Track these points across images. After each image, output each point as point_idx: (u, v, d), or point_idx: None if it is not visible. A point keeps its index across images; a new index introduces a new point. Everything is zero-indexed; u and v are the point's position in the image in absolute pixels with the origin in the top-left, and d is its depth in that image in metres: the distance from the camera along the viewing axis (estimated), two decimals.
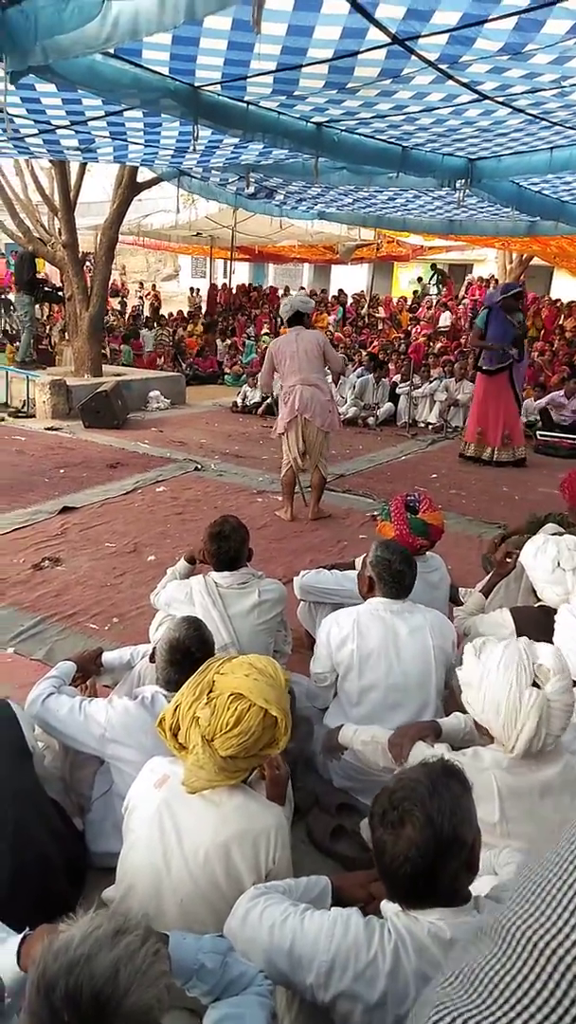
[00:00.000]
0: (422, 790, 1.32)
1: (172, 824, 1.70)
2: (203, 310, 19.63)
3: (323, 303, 19.49)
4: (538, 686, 1.70)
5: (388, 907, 1.39)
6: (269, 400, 10.31)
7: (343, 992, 1.33)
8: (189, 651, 2.18)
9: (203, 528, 5.29)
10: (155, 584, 3.21)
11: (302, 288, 20.86)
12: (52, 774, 2.38)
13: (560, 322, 15.57)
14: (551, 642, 2.06)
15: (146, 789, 1.79)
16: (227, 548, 2.80)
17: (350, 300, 19.60)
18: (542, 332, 15.13)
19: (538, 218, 8.01)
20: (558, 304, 16.64)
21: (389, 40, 3.28)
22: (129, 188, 9.78)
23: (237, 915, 1.51)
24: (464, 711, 2.40)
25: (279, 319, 17.44)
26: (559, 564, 2.58)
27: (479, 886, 1.49)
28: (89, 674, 2.65)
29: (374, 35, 3.23)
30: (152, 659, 2.39)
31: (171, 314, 18.88)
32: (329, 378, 5.87)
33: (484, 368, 8.11)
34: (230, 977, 1.36)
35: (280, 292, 21.44)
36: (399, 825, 1.30)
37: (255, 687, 1.67)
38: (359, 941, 1.34)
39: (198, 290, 22.43)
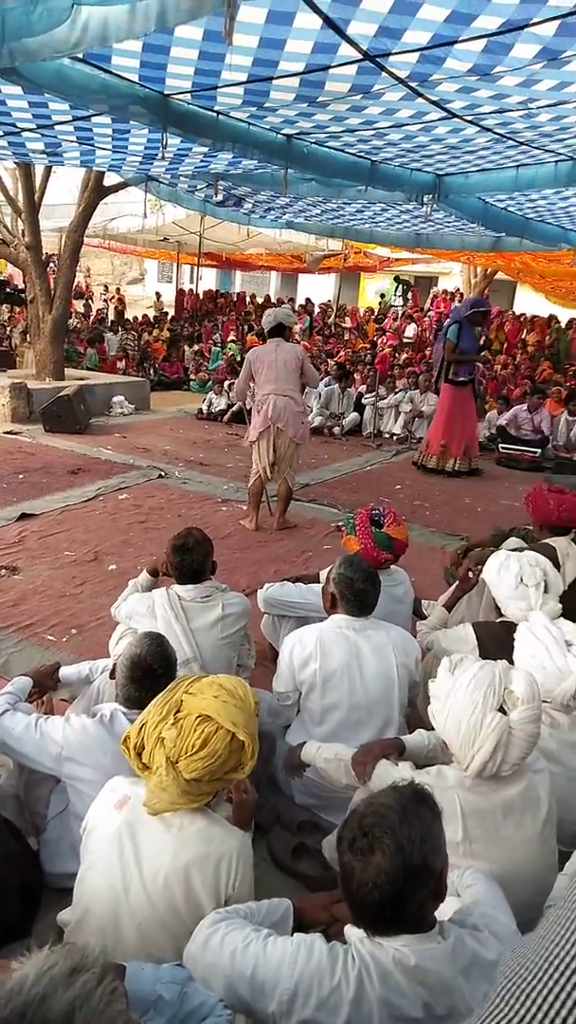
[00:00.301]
0: (393, 817, 1.30)
1: (132, 847, 1.66)
2: (169, 315, 19.53)
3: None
4: (505, 712, 1.70)
5: (352, 932, 1.38)
6: (235, 408, 10.29)
7: (306, 1020, 1.31)
8: (151, 668, 2.15)
9: (167, 537, 5.24)
10: (116, 594, 3.16)
11: (283, 300, 20.87)
12: (6, 792, 2.33)
13: (523, 336, 15.86)
14: (511, 658, 2.07)
15: (106, 810, 1.75)
16: (190, 561, 2.76)
17: (317, 309, 19.71)
18: (505, 346, 15.39)
19: (503, 234, 8.16)
20: (521, 318, 16.94)
21: (360, 56, 3.30)
22: (95, 191, 9.69)
23: (197, 940, 1.48)
24: (427, 727, 2.42)
25: (244, 327, 17.50)
26: (522, 580, 2.60)
27: (442, 909, 1.49)
28: (46, 689, 2.59)
29: (345, 51, 3.25)
30: (112, 675, 2.34)
31: (136, 318, 18.75)
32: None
33: (459, 380, 8.25)
34: (189, 1008, 1.33)
35: (248, 299, 21.47)
36: (368, 852, 1.29)
37: (223, 709, 1.64)
38: (322, 967, 1.33)
39: (160, 294, 22.31)
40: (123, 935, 1.66)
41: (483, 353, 8.16)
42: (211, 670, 2.64)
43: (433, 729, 2.31)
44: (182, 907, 1.63)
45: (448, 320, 8.64)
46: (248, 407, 6.26)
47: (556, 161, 5.12)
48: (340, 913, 1.70)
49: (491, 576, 2.69)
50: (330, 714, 2.52)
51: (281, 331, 5.76)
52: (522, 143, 4.75)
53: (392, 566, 3.05)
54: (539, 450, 9.55)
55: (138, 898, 1.64)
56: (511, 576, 2.61)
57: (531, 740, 1.71)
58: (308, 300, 20.42)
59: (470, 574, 3.07)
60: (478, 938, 1.39)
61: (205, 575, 2.79)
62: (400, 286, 19.02)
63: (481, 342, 8.33)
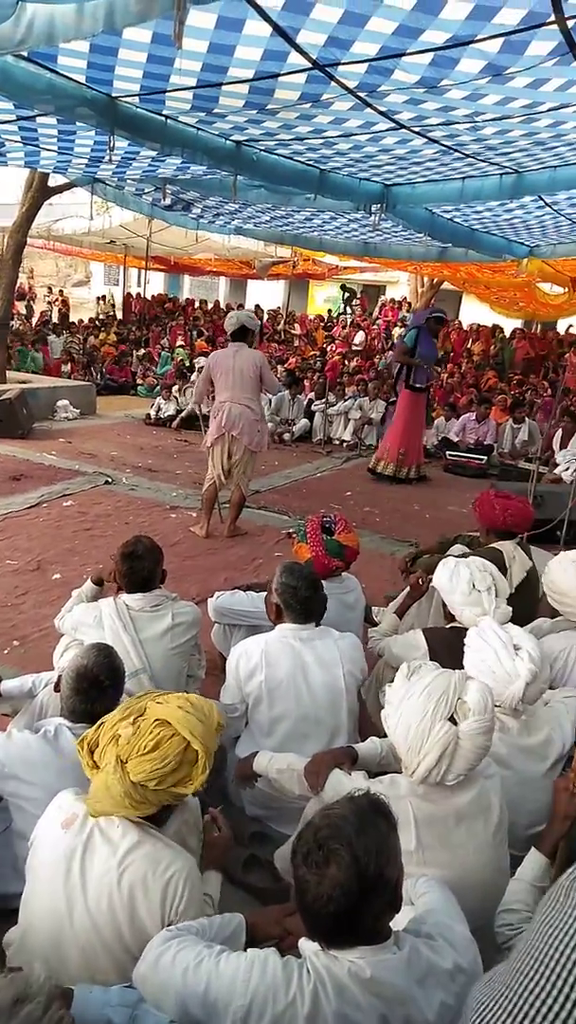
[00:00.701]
0: (349, 829, 1.29)
1: (78, 869, 1.61)
2: (116, 318, 19.30)
3: None
4: (455, 722, 1.70)
5: (307, 946, 1.36)
6: (184, 413, 10.21)
7: None
8: (97, 679, 2.10)
9: (113, 545, 5.16)
10: (60, 604, 3.09)
11: (232, 306, 20.88)
12: None
13: (468, 345, 16.18)
14: (461, 663, 2.08)
15: (52, 828, 1.69)
16: (140, 568, 2.71)
17: (266, 316, 19.75)
18: (451, 355, 15.67)
19: (449, 245, 8.29)
20: (468, 328, 17.29)
21: (310, 65, 3.32)
22: (40, 192, 9.51)
23: (148, 959, 1.44)
24: (377, 734, 2.42)
25: (193, 332, 17.40)
26: (474, 585, 2.64)
27: (397, 918, 1.48)
28: None
29: (295, 59, 3.25)
30: (57, 688, 2.28)
31: (81, 321, 18.45)
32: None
33: (418, 386, 8.35)
34: None
35: (197, 304, 21.37)
36: (324, 864, 1.27)
37: (184, 718, 1.63)
38: (277, 983, 1.30)
39: (102, 297, 21.99)
40: (67, 959, 1.61)
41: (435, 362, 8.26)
42: (160, 681, 2.61)
43: (384, 736, 2.33)
44: (126, 932, 1.59)
45: (408, 326, 8.74)
46: (205, 411, 6.19)
47: (501, 174, 5.24)
48: (293, 926, 1.68)
49: (443, 583, 2.72)
50: (278, 725, 2.50)
51: (244, 335, 5.74)
52: (468, 155, 4.84)
53: (343, 573, 3.06)
54: (485, 457, 9.74)
55: (82, 922, 1.60)
56: (463, 582, 2.65)
57: (479, 752, 1.72)
58: (257, 306, 20.45)
59: (420, 582, 3.10)
60: (433, 947, 1.39)
61: (155, 584, 2.74)
62: (346, 294, 19.27)
63: (440, 353, 8.44)
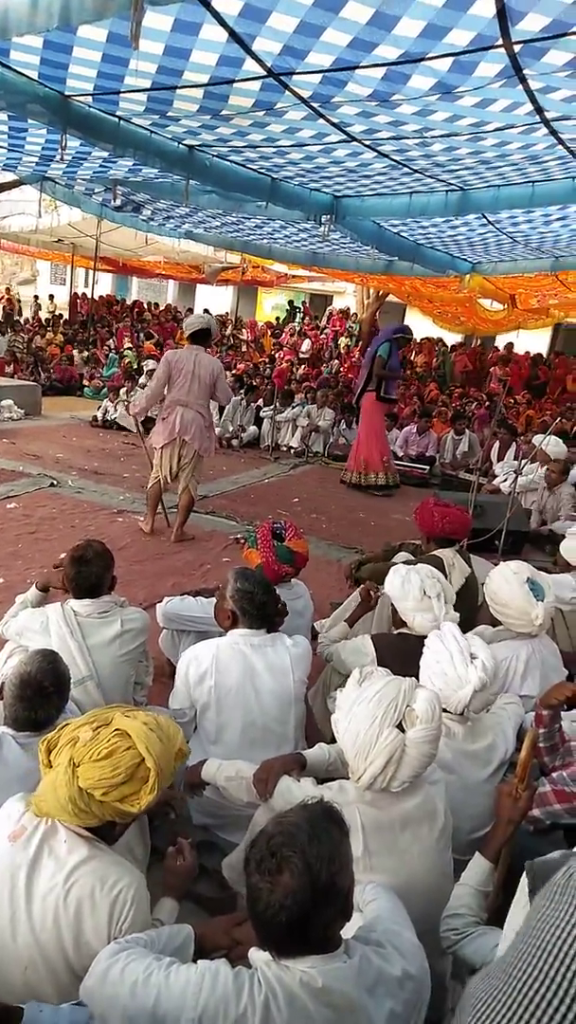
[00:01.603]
0: (302, 836, 1.29)
1: (23, 884, 1.57)
2: (62, 318, 18.96)
3: None
4: (403, 729, 1.72)
5: (258, 956, 1.35)
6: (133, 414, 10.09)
7: None
8: (41, 685, 2.06)
9: (59, 549, 5.07)
10: (2, 609, 3.01)
11: (179, 310, 20.77)
12: None
13: (411, 358, 16.45)
14: (412, 669, 2.10)
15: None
16: (88, 574, 2.66)
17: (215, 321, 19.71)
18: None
19: (395, 258, 8.45)
20: (411, 341, 17.55)
21: (264, 73, 3.33)
22: None
23: (95, 974, 1.41)
24: (323, 740, 2.43)
25: (140, 335, 17.23)
26: (425, 592, 2.69)
27: (345, 926, 1.49)
28: None
29: (250, 66, 3.27)
30: (0, 695, 2.22)
31: (27, 320, 18.06)
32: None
33: (390, 397, 8.54)
34: None
35: (146, 306, 21.18)
36: (276, 872, 1.26)
37: (145, 735, 1.60)
38: (228, 994, 1.29)
39: (34, 298, 21.52)
40: (9, 979, 1.56)
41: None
42: (108, 688, 2.56)
43: (329, 742, 2.34)
44: (71, 950, 1.56)
45: (376, 340, 8.84)
46: (140, 415, 6.17)
47: (447, 191, 5.37)
48: (242, 936, 1.67)
49: (396, 590, 2.75)
50: (225, 732, 2.49)
51: (204, 339, 5.77)
52: (416, 171, 4.94)
53: (292, 579, 3.07)
54: (427, 467, 9.91)
55: (25, 939, 1.55)
56: (415, 589, 2.69)
57: (424, 759, 1.73)
58: (206, 311, 20.38)
59: (371, 594, 3.13)
60: (382, 955, 1.40)
61: (103, 589, 2.70)
62: (292, 310, 19.51)
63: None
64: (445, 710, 2.16)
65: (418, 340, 17.41)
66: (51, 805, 1.60)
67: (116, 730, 1.62)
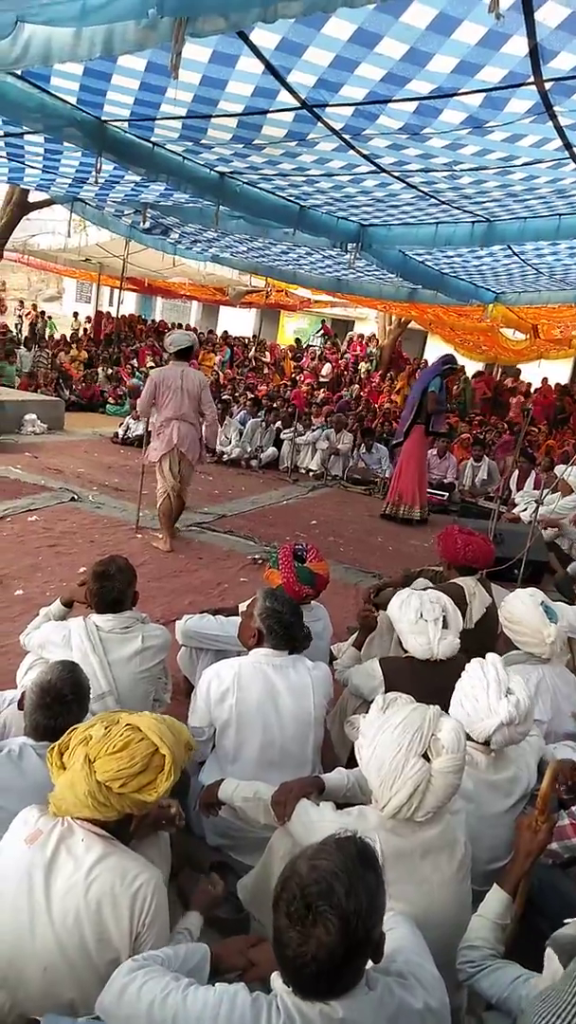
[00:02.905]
0: (340, 889, 1.22)
1: (42, 885, 1.58)
2: (87, 334, 19.22)
3: (211, 343, 19.68)
4: (428, 758, 1.71)
5: (279, 983, 1.33)
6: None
7: None
8: (61, 694, 2.08)
9: (79, 563, 5.11)
10: (22, 620, 3.03)
11: (197, 330, 21.03)
12: None
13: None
14: (420, 692, 2.08)
15: (16, 844, 1.66)
16: (111, 588, 2.68)
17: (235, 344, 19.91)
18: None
19: (419, 286, 8.52)
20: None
21: (298, 105, 3.41)
22: (19, 206, 9.52)
23: (113, 991, 1.40)
24: (342, 764, 2.42)
25: (165, 351, 17.43)
26: (421, 615, 2.71)
27: None
28: None
29: (284, 97, 3.34)
30: (21, 706, 2.24)
31: (51, 336, 18.33)
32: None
33: (441, 432, 8.67)
34: None
35: (170, 327, 21.43)
36: (311, 925, 1.21)
37: (155, 727, 1.66)
38: (245, 1020, 1.28)
39: (42, 318, 21.68)
40: (28, 980, 1.57)
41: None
42: (127, 704, 2.58)
43: (346, 765, 2.33)
44: (92, 947, 1.56)
45: (426, 374, 8.80)
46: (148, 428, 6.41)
47: (473, 222, 5.43)
48: (257, 957, 1.66)
49: (394, 612, 2.80)
50: (243, 751, 2.49)
51: (188, 355, 6.08)
52: (443, 202, 5.00)
53: (312, 602, 3.07)
54: (447, 494, 9.90)
55: (45, 939, 1.56)
56: (411, 611, 2.73)
57: (450, 790, 1.72)
58: (226, 332, 20.62)
59: (368, 614, 3.18)
60: (404, 985, 1.37)
61: (126, 605, 2.72)
62: (322, 331, 19.68)
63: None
64: (469, 738, 2.15)
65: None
66: (70, 803, 1.62)
67: (127, 725, 1.67)
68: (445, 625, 2.73)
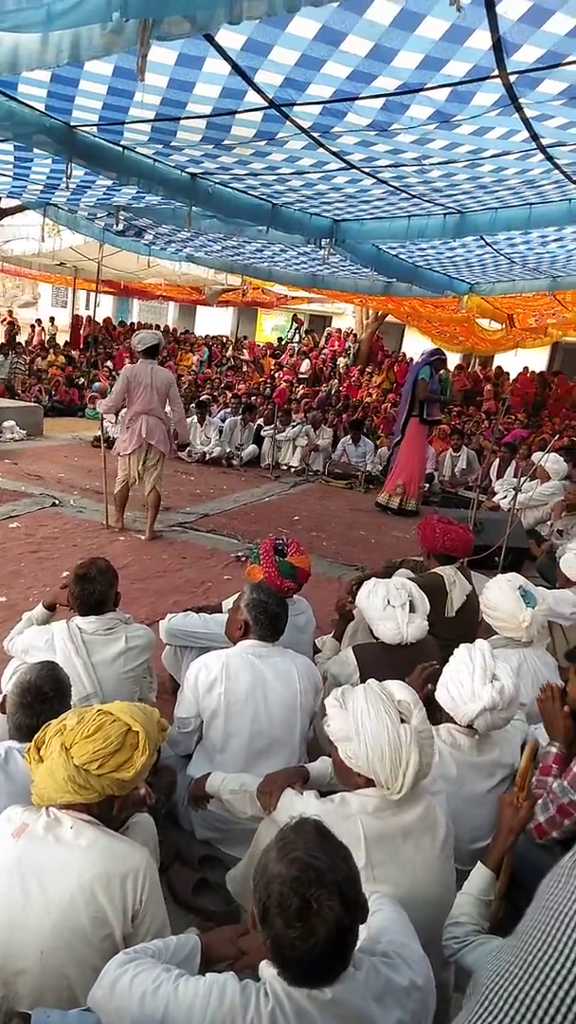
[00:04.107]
0: (324, 867, 1.26)
1: (33, 873, 1.61)
2: (65, 341, 19.11)
3: (189, 343, 19.65)
4: (405, 721, 1.76)
5: (267, 969, 1.36)
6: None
7: None
8: (42, 691, 2.10)
9: (61, 568, 5.11)
10: (5, 627, 3.04)
11: (166, 328, 20.97)
12: None
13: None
14: (393, 677, 2.11)
15: (2, 840, 1.68)
16: (92, 590, 2.69)
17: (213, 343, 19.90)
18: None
19: (394, 279, 8.58)
20: (410, 360, 17.74)
21: (266, 104, 3.43)
22: None
23: (104, 984, 1.42)
24: (327, 755, 2.45)
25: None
26: (388, 602, 2.80)
27: None
28: None
29: (252, 98, 3.37)
30: (3, 709, 2.25)
31: (28, 342, 18.22)
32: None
33: (434, 419, 8.62)
34: None
35: (148, 327, 21.36)
36: (314, 915, 1.23)
37: (127, 709, 1.72)
38: (235, 1009, 1.30)
39: (37, 321, 21.55)
40: (26, 968, 1.59)
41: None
42: None
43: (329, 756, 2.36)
44: (88, 927, 1.59)
45: (416, 365, 8.91)
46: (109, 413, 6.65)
47: (444, 214, 5.48)
48: (247, 946, 1.69)
49: (362, 601, 2.90)
50: (232, 741, 2.52)
51: (155, 352, 6.31)
52: (415, 196, 5.05)
53: (295, 595, 3.11)
54: (427, 484, 9.97)
55: (41, 924, 1.59)
56: (379, 599, 2.82)
57: (431, 739, 1.80)
58: (207, 336, 20.57)
59: (345, 605, 3.25)
60: (390, 964, 1.41)
61: (108, 607, 2.73)
62: (294, 324, 19.68)
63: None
64: (452, 721, 2.19)
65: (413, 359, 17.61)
66: (51, 790, 1.66)
67: (99, 711, 1.73)
68: (412, 609, 2.82)
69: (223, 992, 1.33)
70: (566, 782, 2.15)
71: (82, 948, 1.59)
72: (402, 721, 1.76)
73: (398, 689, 1.83)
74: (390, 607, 2.78)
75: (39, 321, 21.71)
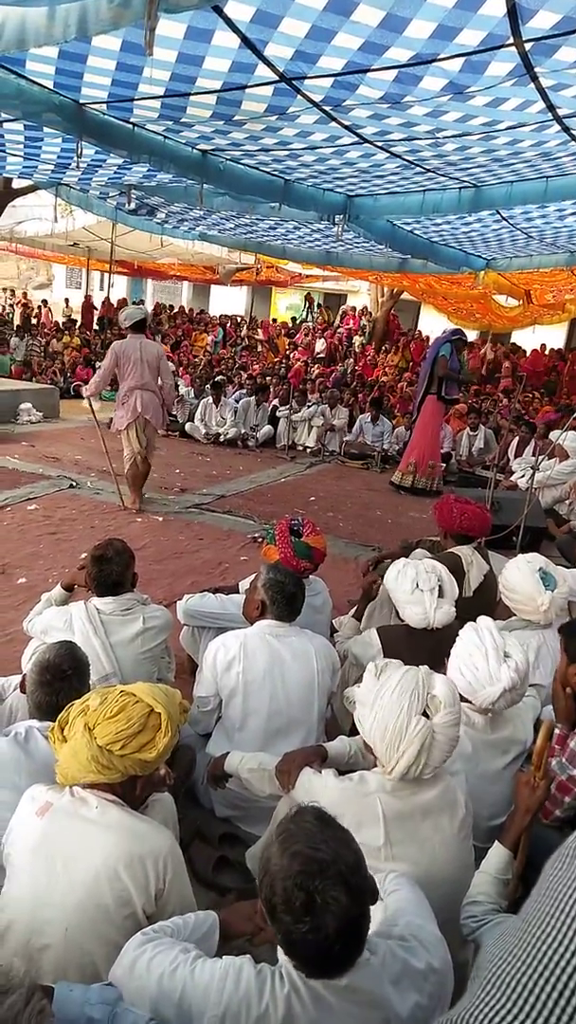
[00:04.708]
0: (327, 858, 1.24)
1: (58, 851, 1.63)
2: (78, 322, 19.11)
3: (203, 323, 19.58)
4: (428, 716, 1.75)
5: (284, 956, 1.36)
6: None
7: None
8: (60, 669, 2.12)
9: (79, 549, 5.15)
10: (25, 609, 3.07)
11: (210, 311, 20.87)
12: None
13: (426, 354, 16.43)
14: (417, 660, 2.12)
15: (28, 818, 1.71)
16: (110, 571, 2.71)
17: (229, 323, 19.80)
18: (411, 364, 15.91)
19: (409, 256, 8.45)
20: (427, 339, 17.57)
21: (276, 78, 3.37)
22: (4, 194, 9.43)
23: (123, 964, 1.44)
24: (345, 734, 2.46)
25: (156, 337, 17.36)
26: (417, 585, 2.75)
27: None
28: None
29: (262, 71, 3.31)
30: (23, 689, 2.28)
31: (43, 324, 18.24)
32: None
33: (452, 397, 8.60)
34: None
35: (160, 309, 21.31)
36: (321, 907, 1.21)
37: (148, 690, 1.74)
38: (251, 992, 1.31)
39: (43, 302, 21.46)
40: (51, 944, 1.62)
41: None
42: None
43: (348, 735, 2.37)
44: (112, 906, 1.61)
45: (436, 342, 8.85)
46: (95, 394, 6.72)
47: (460, 188, 5.37)
48: (264, 921, 1.71)
49: (390, 582, 2.85)
50: (250, 720, 2.54)
51: (143, 327, 6.47)
52: (429, 170, 4.96)
53: (311, 576, 3.11)
54: (444, 464, 9.91)
55: (65, 902, 1.61)
56: (408, 582, 2.77)
57: (452, 743, 1.77)
58: (222, 316, 20.46)
59: (373, 585, 3.20)
60: (406, 947, 1.41)
61: (125, 587, 2.75)
62: (307, 303, 19.54)
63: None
64: (468, 701, 2.18)
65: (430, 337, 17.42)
66: (74, 769, 1.68)
67: (121, 692, 1.74)
68: (441, 594, 2.77)
69: (239, 976, 1.35)
70: (564, 759, 2.15)
71: (105, 926, 1.61)
72: (425, 715, 1.75)
73: (440, 684, 1.81)
74: (418, 591, 2.73)
75: (45, 302, 21.71)
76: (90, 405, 6.82)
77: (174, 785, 2.12)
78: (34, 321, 19.24)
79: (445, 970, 1.47)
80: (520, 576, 2.87)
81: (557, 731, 2.26)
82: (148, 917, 1.65)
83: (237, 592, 3.23)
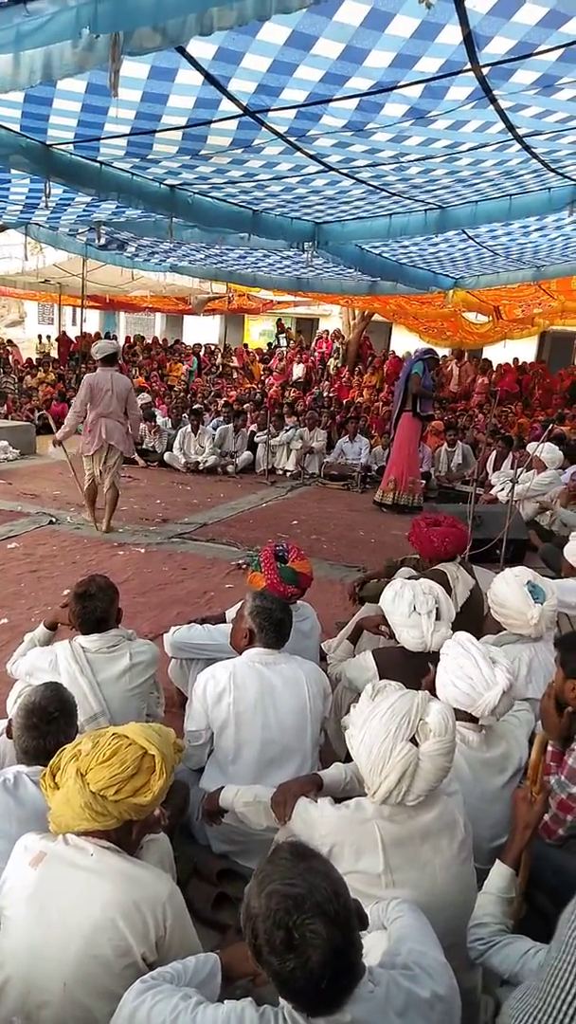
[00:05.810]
0: (301, 893, 1.21)
1: (53, 902, 1.59)
2: (52, 358, 19.10)
3: (177, 353, 19.65)
4: (417, 743, 1.72)
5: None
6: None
7: None
8: (47, 711, 2.07)
9: (61, 586, 5.09)
10: (8, 650, 3.02)
11: (185, 340, 20.88)
12: None
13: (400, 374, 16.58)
14: (413, 683, 2.10)
15: (21, 869, 1.66)
16: (93, 608, 2.67)
17: (203, 351, 19.90)
18: (385, 383, 16.04)
19: (378, 279, 8.58)
20: (402, 357, 17.73)
21: (241, 112, 3.43)
22: None
23: (123, 1015, 1.40)
24: (341, 760, 2.44)
25: (132, 369, 17.39)
26: (415, 608, 2.72)
27: (369, 943, 1.48)
28: None
29: (227, 106, 3.37)
30: (9, 734, 2.23)
31: (17, 361, 18.20)
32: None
33: (426, 414, 8.70)
34: None
35: (132, 341, 21.38)
36: (301, 942, 1.19)
37: (141, 731, 1.70)
38: None
39: None
40: (47, 999, 1.57)
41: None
42: (120, 723, 2.56)
43: (344, 761, 2.35)
44: (111, 956, 1.57)
45: (409, 362, 8.96)
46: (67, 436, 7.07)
47: (425, 210, 5.48)
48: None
49: (387, 604, 2.80)
50: (243, 751, 2.50)
51: (114, 360, 6.88)
52: (394, 194, 5.05)
53: (298, 601, 3.09)
54: (424, 481, 9.96)
55: (62, 955, 1.56)
56: (405, 604, 2.73)
57: (440, 772, 1.73)
58: (196, 344, 20.56)
59: (382, 628, 3.08)
60: (410, 977, 1.38)
61: (110, 623, 2.70)
62: (279, 331, 19.69)
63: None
64: (467, 715, 2.16)
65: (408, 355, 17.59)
66: (68, 817, 1.63)
67: (114, 734, 1.70)
68: (438, 617, 2.74)
69: (241, 1019, 1.31)
70: (563, 776, 2.14)
71: (105, 977, 1.56)
72: (414, 742, 1.72)
73: (435, 712, 1.77)
74: (416, 614, 2.69)
75: (11, 341, 21.63)
76: (63, 448, 7.16)
77: (169, 824, 2.08)
78: (9, 359, 19.20)
79: (451, 997, 1.44)
80: (509, 590, 2.86)
81: (550, 748, 2.25)
82: (150, 965, 1.60)
83: (224, 621, 3.20)
